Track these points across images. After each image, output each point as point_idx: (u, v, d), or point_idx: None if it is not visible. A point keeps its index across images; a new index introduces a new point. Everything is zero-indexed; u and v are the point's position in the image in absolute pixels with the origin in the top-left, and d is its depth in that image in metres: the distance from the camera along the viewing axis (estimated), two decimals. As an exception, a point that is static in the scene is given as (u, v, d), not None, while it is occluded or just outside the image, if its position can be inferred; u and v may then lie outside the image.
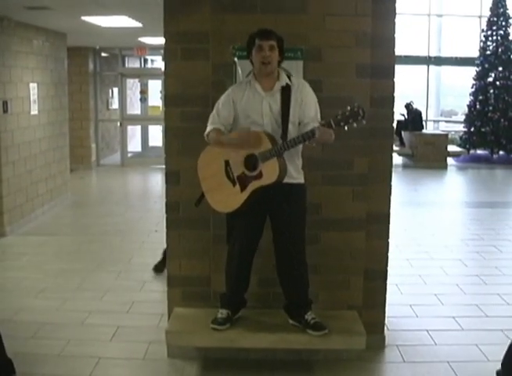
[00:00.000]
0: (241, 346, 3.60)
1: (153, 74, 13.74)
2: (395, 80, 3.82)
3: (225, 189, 3.38)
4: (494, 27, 14.31)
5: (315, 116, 3.34)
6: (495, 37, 14.32)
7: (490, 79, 14.38)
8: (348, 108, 3.12)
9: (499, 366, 3.35)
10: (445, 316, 4.58)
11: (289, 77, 3.42)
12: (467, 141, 14.64)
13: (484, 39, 14.47)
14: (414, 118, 14.13)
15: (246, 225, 3.45)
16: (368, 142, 3.78)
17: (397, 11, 3.77)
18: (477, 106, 14.46)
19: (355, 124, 3.13)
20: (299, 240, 3.48)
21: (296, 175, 3.42)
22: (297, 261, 3.49)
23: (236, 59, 3.69)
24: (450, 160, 13.71)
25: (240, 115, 3.39)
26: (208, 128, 3.42)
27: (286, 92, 3.35)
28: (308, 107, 3.36)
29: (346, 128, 3.14)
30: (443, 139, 13.62)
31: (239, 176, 3.34)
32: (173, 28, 3.72)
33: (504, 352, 3.29)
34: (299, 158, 3.45)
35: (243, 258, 3.52)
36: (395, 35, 3.77)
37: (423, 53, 16.70)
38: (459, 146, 14.89)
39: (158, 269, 5.49)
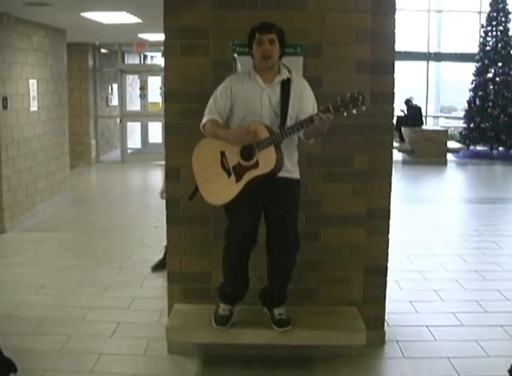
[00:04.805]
0: (241, 342, 3.59)
1: (153, 70, 13.71)
2: (395, 76, 3.82)
3: (220, 180, 3.32)
4: (494, 23, 14.29)
5: (313, 112, 3.31)
6: (494, 33, 14.31)
7: (490, 75, 14.38)
8: (348, 94, 3.11)
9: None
10: (444, 312, 4.58)
11: (289, 72, 3.40)
12: (467, 137, 14.64)
13: (483, 35, 14.45)
14: (414, 114, 14.14)
15: (242, 220, 3.39)
16: (368, 138, 3.77)
17: (397, 7, 3.77)
18: (477, 102, 14.46)
19: (354, 111, 3.11)
20: (294, 233, 3.41)
21: (292, 169, 3.38)
22: (289, 256, 3.44)
23: (235, 55, 3.68)
24: (450, 156, 13.70)
25: (238, 104, 3.35)
26: (205, 119, 3.37)
27: (286, 85, 3.33)
28: (306, 103, 3.34)
29: (345, 113, 3.12)
30: (443, 134, 13.62)
31: (235, 166, 3.29)
32: (173, 24, 3.71)
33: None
34: (295, 152, 3.42)
35: (241, 253, 3.48)
36: (395, 31, 3.77)
37: (423, 49, 16.70)
38: (458, 142, 14.89)
39: (157, 268, 5.44)
